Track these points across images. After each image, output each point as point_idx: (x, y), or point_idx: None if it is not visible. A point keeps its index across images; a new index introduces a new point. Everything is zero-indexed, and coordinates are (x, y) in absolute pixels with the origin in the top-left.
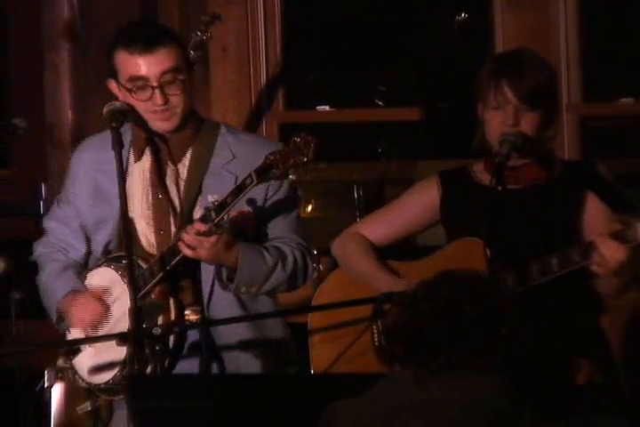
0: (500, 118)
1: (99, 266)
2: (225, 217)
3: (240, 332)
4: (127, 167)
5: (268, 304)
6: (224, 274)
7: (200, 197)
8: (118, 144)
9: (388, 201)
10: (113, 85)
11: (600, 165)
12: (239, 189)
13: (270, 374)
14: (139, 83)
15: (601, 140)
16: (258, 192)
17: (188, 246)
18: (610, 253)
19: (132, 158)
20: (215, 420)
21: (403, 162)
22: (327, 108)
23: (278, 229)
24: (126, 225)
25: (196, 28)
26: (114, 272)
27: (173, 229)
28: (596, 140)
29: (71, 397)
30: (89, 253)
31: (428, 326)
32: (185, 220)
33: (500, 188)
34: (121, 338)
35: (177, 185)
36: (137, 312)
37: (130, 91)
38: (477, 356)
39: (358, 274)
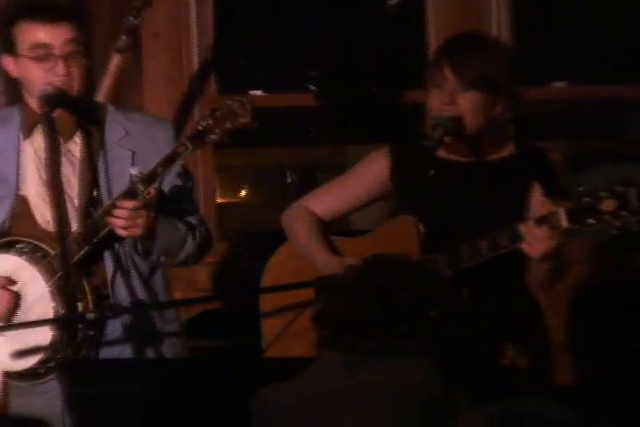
0: (439, 97)
1: None
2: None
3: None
4: (18, 145)
5: (163, 285)
6: (139, 246)
7: (99, 174)
8: (51, 129)
9: (320, 186)
10: (8, 60)
11: (554, 154)
12: (171, 158)
13: (204, 358)
14: (41, 51)
15: (533, 125)
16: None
17: (121, 227)
18: (534, 239)
19: (21, 136)
20: (150, 405)
21: (333, 147)
22: (259, 92)
23: (180, 203)
24: (59, 210)
25: (128, 13)
26: (16, 257)
27: (69, 206)
28: (529, 125)
29: (6, 386)
30: None
31: (357, 311)
32: (84, 197)
33: (432, 172)
34: (54, 323)
35: (72, 163)
36: (70, 296)
37: (32, 59)
38: (408, 340)
39: (300, 247)
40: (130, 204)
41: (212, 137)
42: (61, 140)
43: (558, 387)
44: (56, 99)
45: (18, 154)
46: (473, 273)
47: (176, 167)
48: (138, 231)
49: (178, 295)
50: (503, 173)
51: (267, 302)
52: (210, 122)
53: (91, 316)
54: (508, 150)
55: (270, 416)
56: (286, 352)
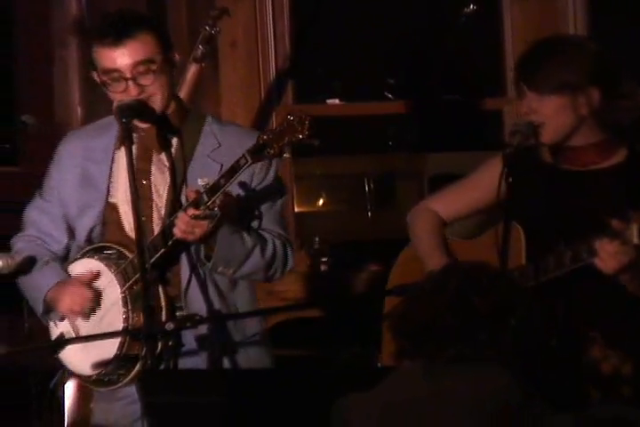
0: (522, 107)
1: (80, 258)
2: (217, 199)
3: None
4: (112, 154)
5: (246, 295)
6: (202, 252)
7: (185, 185)
8: (128, 139)
9: (399, 194)
10: (96, 76)
11: None
12: (233, 171)
13: (282, 369)
14: (113, 75)
15: None
16: (243, 180)
17: (181, 231)
18: (606, 254)
19: (116, 145)
20: (227, 415)
21: (413, 155)
22: (337, 101)
23: (262, 220)
24: (138, 219)
25: (205, 23)
26: (98, 262)
27: (155, 215)
28: None
29: (84, 393)
30: (69, 245)
31: (436, 319)
32: (170, 206)
33: (510, 179)
34: (133, 335)
35: (162, 173)
36: (149, 308)
37: (105, 84)
38: (487, 348)
39: (417, 248)
40: (190, 211)
41: (270, 151)
42: (154, 150)
43: None
44: (131, 110)
45: (111, 162)
46: (576, 279)
47: (267, 181)
48: (192, 238)
49: (258, 305)
50: (606, 184)
51: (390, 304)
52: (270, 136)
53: (170, 326)
54: (619, 157)
55: (350, 425)
56: None
